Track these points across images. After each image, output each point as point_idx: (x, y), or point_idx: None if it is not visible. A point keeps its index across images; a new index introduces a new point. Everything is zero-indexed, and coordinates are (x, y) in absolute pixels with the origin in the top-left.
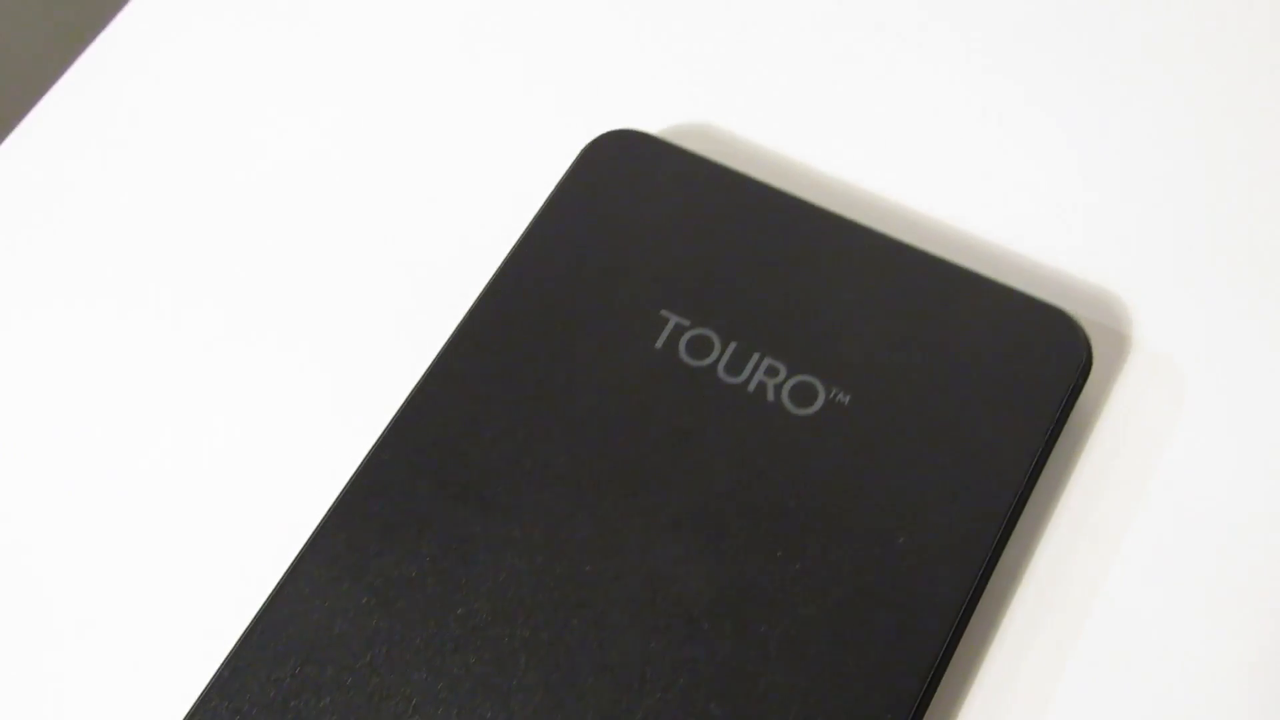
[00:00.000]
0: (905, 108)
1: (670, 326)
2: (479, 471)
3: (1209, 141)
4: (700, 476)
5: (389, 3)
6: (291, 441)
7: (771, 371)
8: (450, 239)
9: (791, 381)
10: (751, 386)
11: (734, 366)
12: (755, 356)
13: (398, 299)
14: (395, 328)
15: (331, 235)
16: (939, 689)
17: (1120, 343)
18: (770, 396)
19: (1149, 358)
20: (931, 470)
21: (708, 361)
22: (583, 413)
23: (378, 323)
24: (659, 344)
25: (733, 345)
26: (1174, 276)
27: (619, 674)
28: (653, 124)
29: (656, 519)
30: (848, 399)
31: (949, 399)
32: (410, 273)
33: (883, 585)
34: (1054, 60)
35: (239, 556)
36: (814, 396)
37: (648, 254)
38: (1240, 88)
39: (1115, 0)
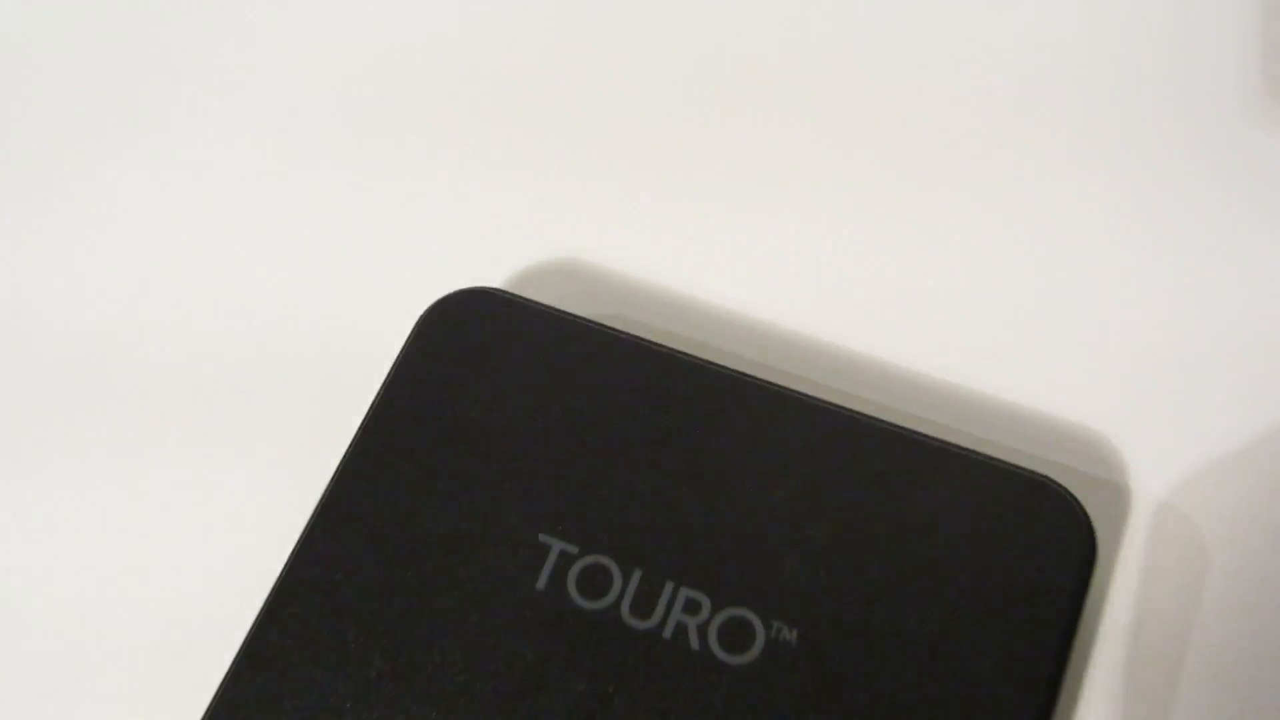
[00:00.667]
0: (805, 234)
1: (554, 556)
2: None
3: (1174, 249)
4: None
5: (172, 170)
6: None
7: (691, 607)
8: (260, 460)
9: (719, 619)
10: (668, 631)
11: (641, 605)
12: (668, 588)
13: (184, 564)
14: (182, 606)
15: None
16: None
17: (1115, 495)
18: (694, 642)
19: (1152, 509)
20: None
21: (607, 601)
22: (452, 691)
23: (155, 613)
24: (541, 583)
25: (636, 575)
26: (1158, 408)
27: None
28: (500, 275)
29: None
30: (794, 635)
31: (924, 617)
32: (203, 528)
33: None
34: (942, 169)
35: None
36: (751, 637)
37: (513, 455)
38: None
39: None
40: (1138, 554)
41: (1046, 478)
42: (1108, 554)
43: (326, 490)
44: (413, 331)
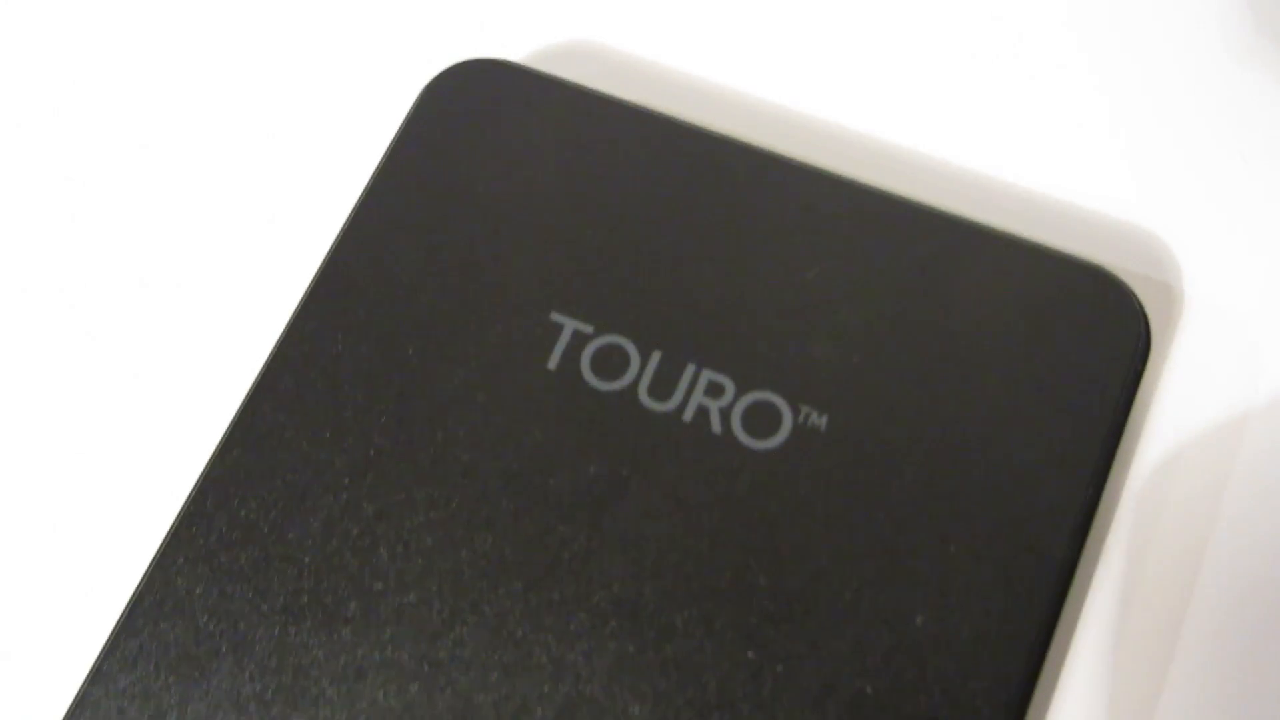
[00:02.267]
0: (860, 16)
1: (567, 336)
2: (314, 568)
3: (1234, 59)
4: (630, 551)
5: None
6: (54, 550)
7: (714, 390)
8: (257, 233)
9: (744, 402)
10: (688, 413)
11: (661, 387)
12: (689, 370)
13: (183, 333)
14: (180, 374)
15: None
16: None
17: (1169, 299)
18: (716, 426)
19: (1207, 313)
20: (952, 513)
21: (624, 382)
22: (455, 473)
23: (156, 377)
24: (553, 363)
25: (655, 356)
26: (1217, 214)
27: None
28: (512, 50)
29: (573, 617)
30: (823, 421)
31: (966, 408)
32: (200, 299)
33: (901, 685)
34: None
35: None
36: (777, 421)
37: (525, 231)
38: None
39: None
40: (1188, 357)
41: (1099, 266)
42: (1158, 353)
43: (323, 262)
44: (417, 101)
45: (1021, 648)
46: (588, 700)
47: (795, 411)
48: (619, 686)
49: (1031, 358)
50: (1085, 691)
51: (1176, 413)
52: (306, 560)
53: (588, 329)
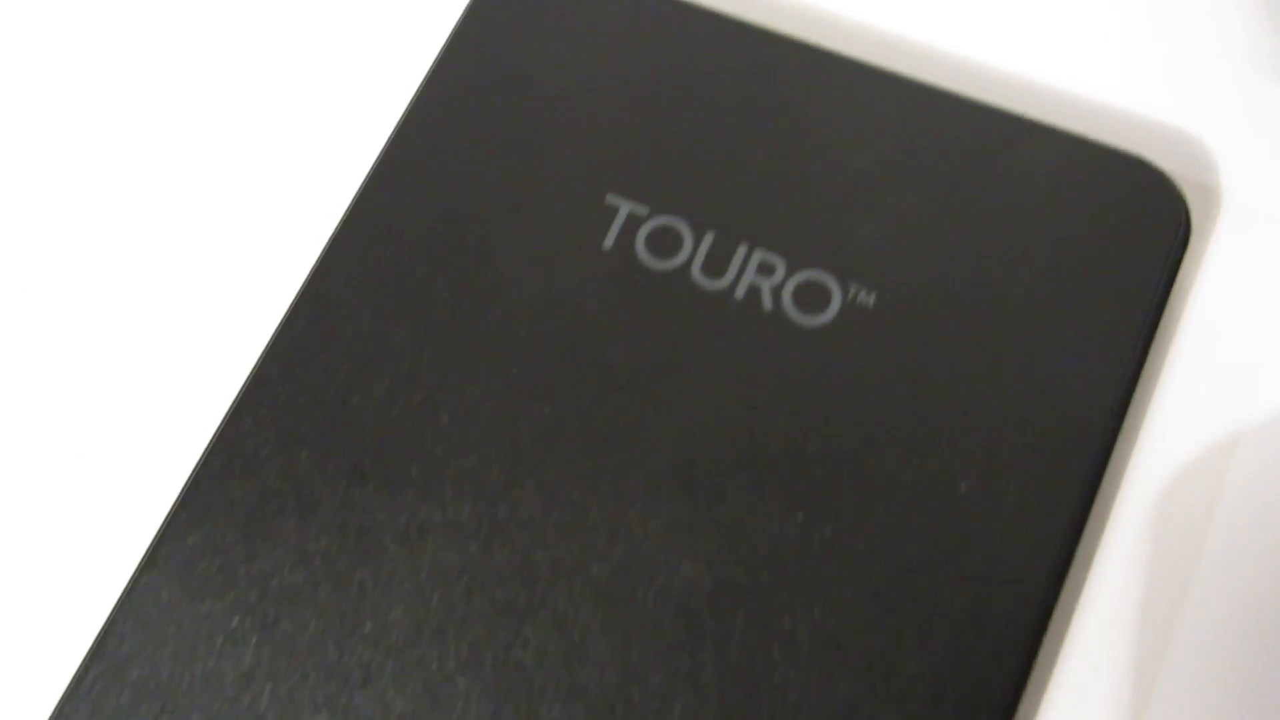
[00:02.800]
0: None
1: (622, 217)
2: (377, 433)
3: None
4: (683, 420)
5: None
6: (124, 414)
7: (765, 269)
8: (319, 119)
9: (794, 280)
10: (740, 291)
11: (714, 265)
12: (741, 249)
13: (251, 209)
14: (249, 248)
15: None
16: (1026, 690)
17: (1207, 197)
18: (767, 303)
19: (1244, 213)
20: (995, 388)
21: (677, 262)
22: (513, 345)
23: (224, 250)
24: (609, 243)
25: (709, 237)
26: (1257, 115)
27: (595, 699)
28: None
29: (628, 483)
30: (872, 299)
31: (1009, 290)
32: (266, 177)
33: (947, 547)
34: None
35: (61, 577)
36: (827, 298)
37: (580, 118)
38: None
39: None
40: (1226, 254)
41: (1140, 156)
42: (1195, 250)
43: (386, 143)
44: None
45: (1062, 514)
46: (641, 560)
47: (844, 290)
48: (671, 547)
49: (1074, 242)
50: (1126, 558)
51: (1213, 303)
52: (370, 425)
53: (642, 211)
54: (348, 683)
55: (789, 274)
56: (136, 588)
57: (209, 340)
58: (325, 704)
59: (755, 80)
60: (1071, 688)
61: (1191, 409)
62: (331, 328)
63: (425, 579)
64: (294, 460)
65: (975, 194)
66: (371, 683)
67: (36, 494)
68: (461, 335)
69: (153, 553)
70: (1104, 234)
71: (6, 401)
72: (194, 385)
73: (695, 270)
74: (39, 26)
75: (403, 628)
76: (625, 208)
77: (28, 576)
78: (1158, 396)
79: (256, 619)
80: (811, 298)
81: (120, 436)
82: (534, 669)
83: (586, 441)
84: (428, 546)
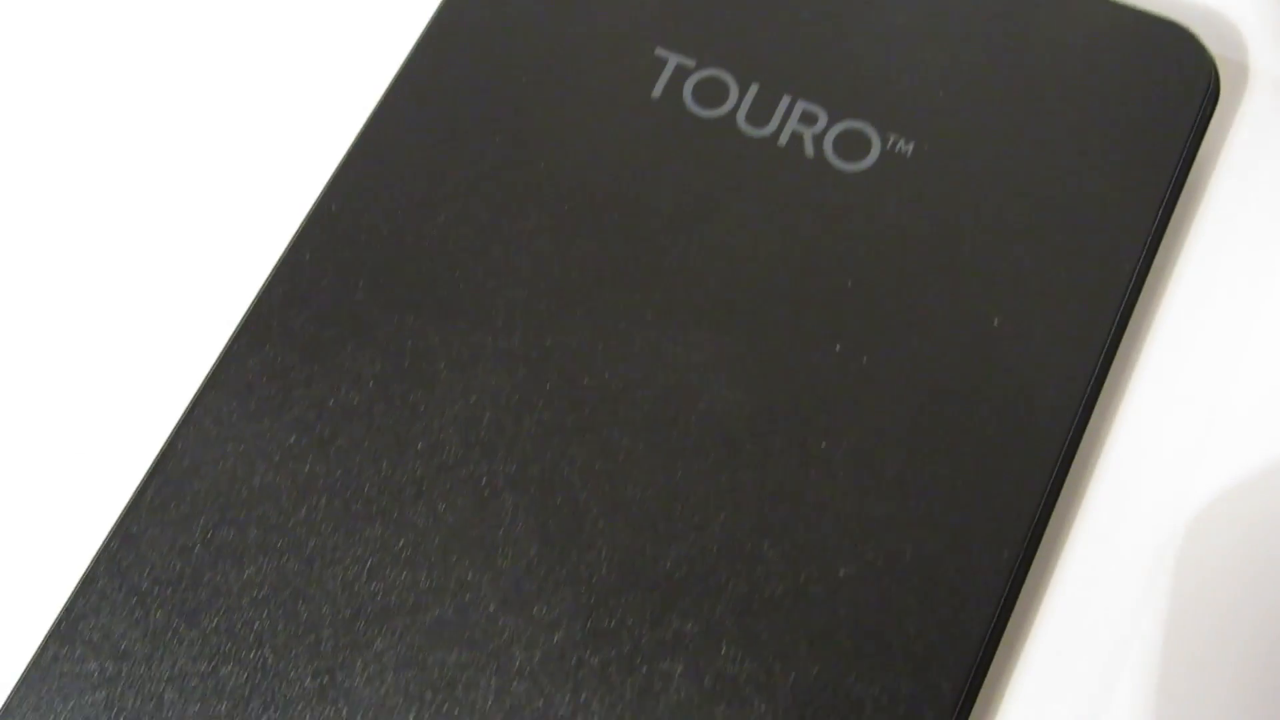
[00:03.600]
0: None
1: (670, 68)
2: (432, 266)
3: None
4: (726, 257)
5: None
6: (184, 243)
7: (808, 118)
8: None
9: (836, 129)
10: (783, 139)
11: (758, 114)
12: (785, 100)
13: (313, 46)
14: (314, 90)
15: None
16: (1055, 507)
17: (1235, 73)
18: (809, 150)
19: (1273, 90)
20: (1025, 231)
21: (723, 110)
22: (564, 186)
23: (291, 89)
24: (657, 92)
25: (754, 87)
26: None
27: (638, 514)
28: None
29: (672, 314)
30: (910, 147)
31: (1041, 141)
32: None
33: (978, 378)
34: None
35: (125, 396)
36: (866, 147)
37: None
38: None
39: None
40: (1251, 128)
41: (1170, 19)
42: (1222, 122)
43: (434, 17)
44: None
45: (1089, 350)
46: (684, 386)
47: (884, 138)
48: (713, 374)
49: (1104, 97)
50: (1153, 391)
51: (1238, 172)
52: (424, 258)
53: (690, 62)
54: (400, 496)
55: (830, 123)
56: (198, 406)
57: (271, 175)
58: (379, 515)
59: None
60: (1097, 517)
61: (1216, 267)
62: (390, 167)
63: (476, 401)
64: (351, 290)
65: (1010, 51)
66: (423, 497)
67: (105, 315)
68: (515, 176)
69: (214, 373)
70: (1134, 90)
71: (88, 217)
72: (256, 220)
73: (740, 118)
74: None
75: (453, 446)
76: (673, 60)
77: (95, 395)
78: (1184, 255)
79: (313, 436)
80: (852, 146)
81: (186, 266)
82: (579, 486)
83: (634, 277)
84: (479, 372)
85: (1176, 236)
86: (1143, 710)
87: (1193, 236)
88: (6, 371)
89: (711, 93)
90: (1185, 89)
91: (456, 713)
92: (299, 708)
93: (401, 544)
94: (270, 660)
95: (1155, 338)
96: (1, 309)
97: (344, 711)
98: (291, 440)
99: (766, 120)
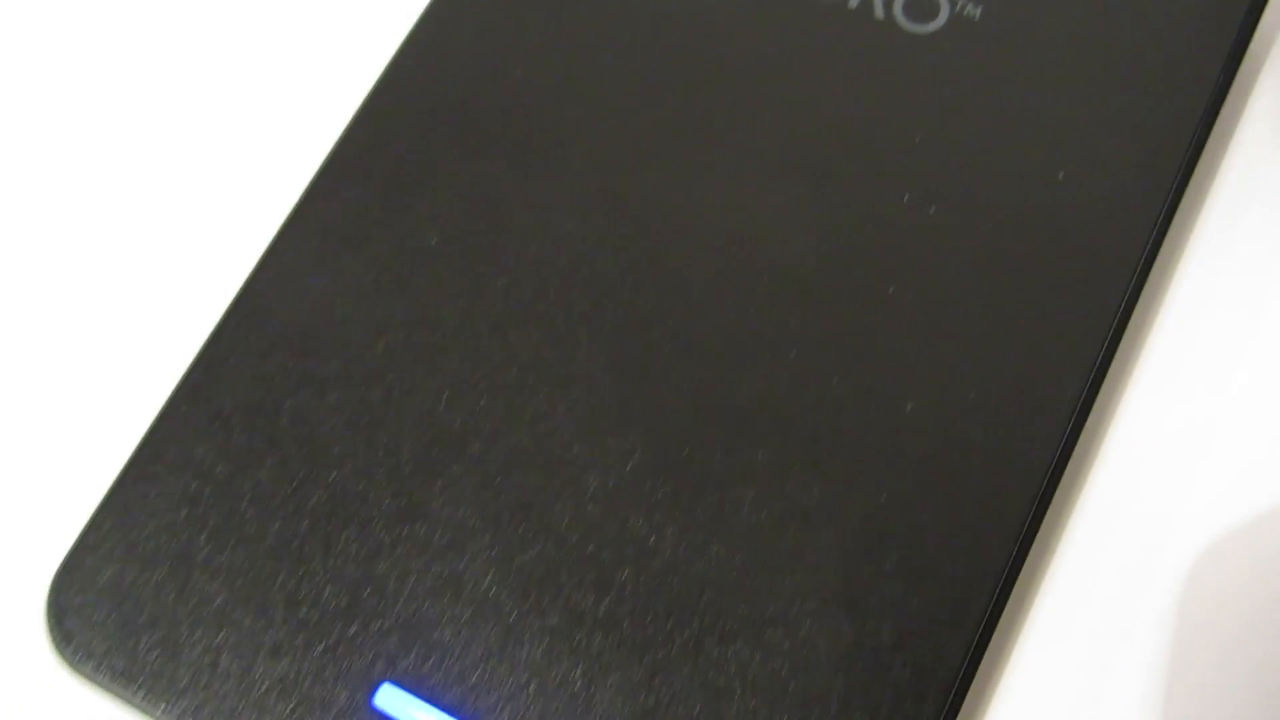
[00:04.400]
0: None
1: None
2: (507, 114)
3: None
4: (796, 112)
5: None
6: (269, 89)
7: None
8: None
9: None
10: (853, 2)
11: None
12: None
13: None
14: None
15: None
16: (1118, 351)
17: None
18: (879, 12)
19: None
20: (1088, 91)
21: None
22: (638, 36)
23: None
24: None
25: None
26: None
27: (709, 349)
28: None
29: (745, 166)
30: (979, 11)
31: (1104, 7)
32: None
33: (1044, 226)
34: None
35: (211, 233)
36: (935, 9)
37: None
38: None
39: None
40: None
41: None
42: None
43: None
44: None
45: (1152, 207)
46: (757, 233)
47: (953, 1)
48: (786, 222)
49: None
50: (1211, 251)
51: None
52: (502, 108)
53: None
54: (477, 332)
55: None
56: (280, 243)
57: (348, 34)
58: (456, 349)
59: None
60: (1148, 384)
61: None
62: (468, 19)
63: (550, 243)
64: (430, 136)
65: None
66: (500, 333)
67: (191, 159)
68: (590, 31)
69: (296, 212)
70: None
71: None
72: (333, 74)
73: None
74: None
75: (529, 285)
76: None
77: (182, 233)
78: (1245, 116)
79: (392, 274)
80: (921, 8)
81: (267, 114)
82: (653, 323)
83: (707, 133)
84: (555, 215)
85: (1238, 100)
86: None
87: (1254, 97)
88: (102, 205)
89: None
90: None
91: (532, 533)
92: (377, 526)
93: (479, 376)
94: (350, 482)
95: (1220, 187)
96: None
97: (422, 531)
98: (371, 277)
99: None
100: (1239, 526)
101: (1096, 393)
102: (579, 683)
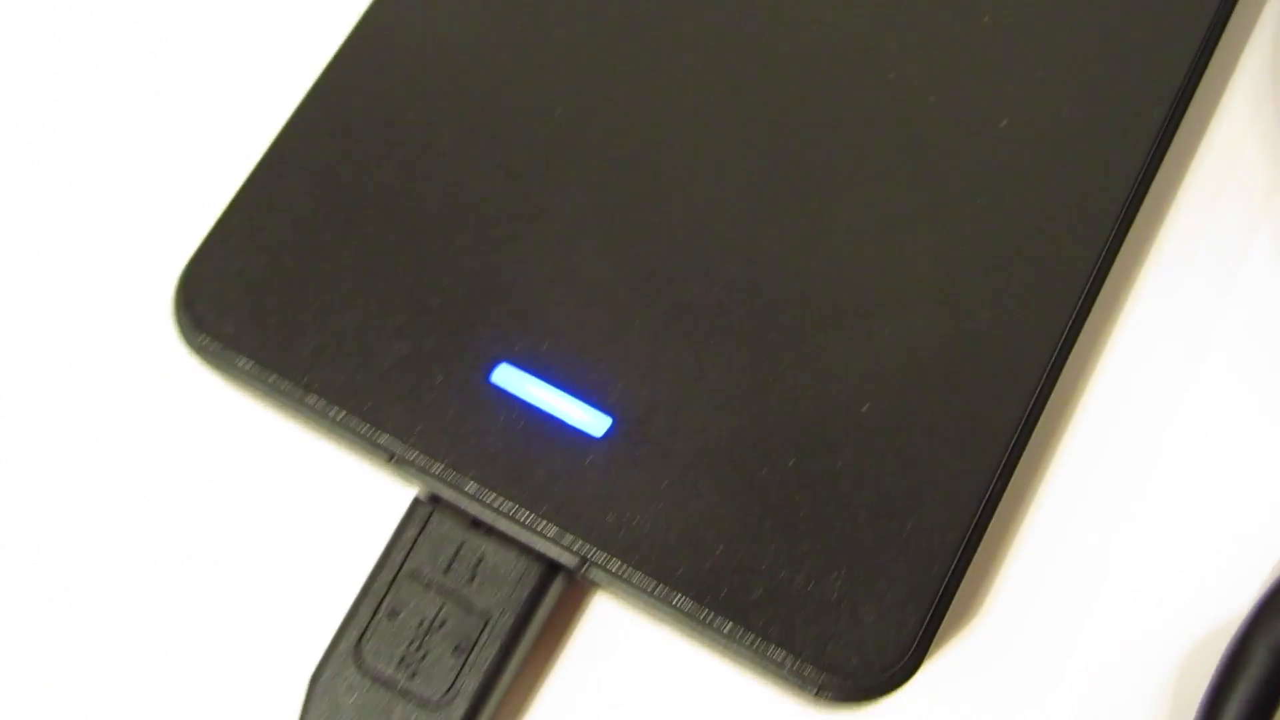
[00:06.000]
0: None
1: None
2: None
3: None
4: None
5: None
6: None
7: None
8: None
9: None
10: None
11: None
12: None
13: None
14: None
15: None
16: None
17: None
18: None
19: None
20: (1088, 26)
21: None
22: None
23: None
24: None
25: None
26: None
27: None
28: None
29: None
30: None
31: None
32: None
33: (1052, 101)
34: None
35: None
36: None
37: None
38: None
39: None
40: None
41: None
42: None
43: None
44: None
45: (1156, 110)
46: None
47: None
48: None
49: None
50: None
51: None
52: None
53: None
54: (599, 46)
55: None
56: None
57: None
58: (576, 64)
59: None
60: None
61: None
62: None
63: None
64: None
65: None
66: (621, 53)
67: None
68: None
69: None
70: None
71: None
72: None
73: None
74: None
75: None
76: None
77: None
78: (1247, 51)
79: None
80: None
81: None
82: (765, 49)
83: None
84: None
85: (1233, 35)
86: None
87: (1253, 42)
88: None
89: None
90: None
91: (645, 231)
92: (496, 224)
93: (598, 89)
94: (469, 183)
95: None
96: None
97: (539, 227)
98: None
99: None
100: None
101: (1097, 293)
102: (689, 362)
